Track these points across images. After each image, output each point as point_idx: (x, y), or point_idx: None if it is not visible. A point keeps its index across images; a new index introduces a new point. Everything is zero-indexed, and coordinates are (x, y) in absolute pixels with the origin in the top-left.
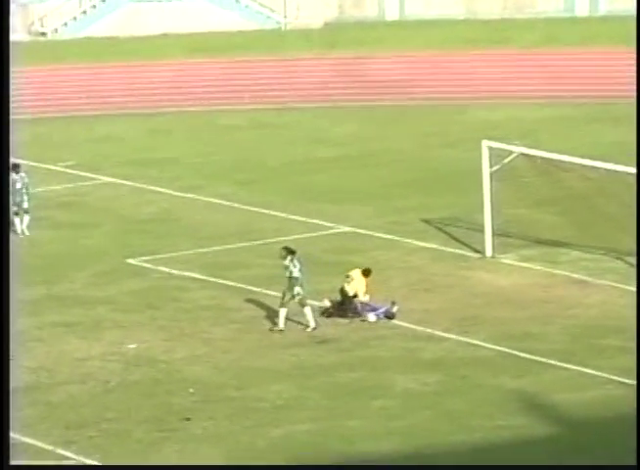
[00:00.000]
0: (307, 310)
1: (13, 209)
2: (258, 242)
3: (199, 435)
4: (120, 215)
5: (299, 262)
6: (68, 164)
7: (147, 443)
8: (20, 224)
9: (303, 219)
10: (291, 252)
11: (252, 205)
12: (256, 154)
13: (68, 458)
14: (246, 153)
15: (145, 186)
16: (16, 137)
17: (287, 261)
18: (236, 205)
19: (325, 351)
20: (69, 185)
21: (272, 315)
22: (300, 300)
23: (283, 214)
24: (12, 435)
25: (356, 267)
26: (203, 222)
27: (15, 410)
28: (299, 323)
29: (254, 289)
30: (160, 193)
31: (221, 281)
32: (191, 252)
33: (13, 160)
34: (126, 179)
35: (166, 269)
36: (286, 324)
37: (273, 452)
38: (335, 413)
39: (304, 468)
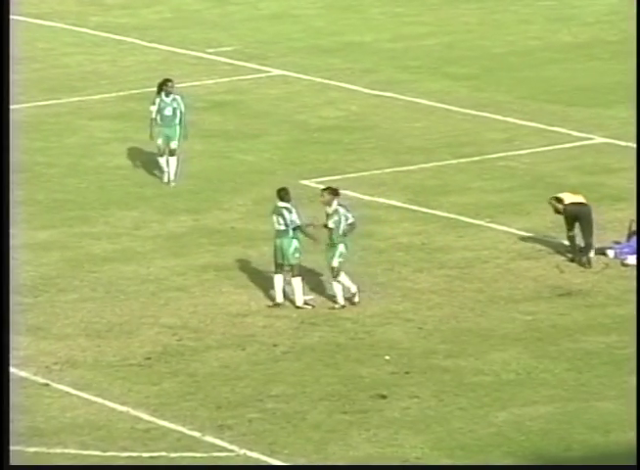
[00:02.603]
0: (343, 279)
1: (157, 142)
2: (478, 157)
3: (397, 418)
4: (293, 121)
5: (348, 210)
6: (224, 50)
7: (327, 428)
8: (165, 168)
9: (540, 127)
10: (335, 193)
11: (471, 107)
12: (478, 37)
13: (219, 448)
14: (463, 35)
15: (326, 81)
16: (150, 13)
17: (334, 206)
18: (449, 107)
19: (569, 307)
20: (224, 79)
21: (496, 257)
22: (340, 266)
23: (512, 120)
24: (144, 416)
25: (606, 191)
26: (404, 131)
27: (149, 383)
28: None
29: (472, 221)
30: (348, 91)
31: (427, 210)
32: (387, 170)
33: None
34: (301, 72)
35: (354, 194)
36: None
37: (497, 444)
38: (582, 392)
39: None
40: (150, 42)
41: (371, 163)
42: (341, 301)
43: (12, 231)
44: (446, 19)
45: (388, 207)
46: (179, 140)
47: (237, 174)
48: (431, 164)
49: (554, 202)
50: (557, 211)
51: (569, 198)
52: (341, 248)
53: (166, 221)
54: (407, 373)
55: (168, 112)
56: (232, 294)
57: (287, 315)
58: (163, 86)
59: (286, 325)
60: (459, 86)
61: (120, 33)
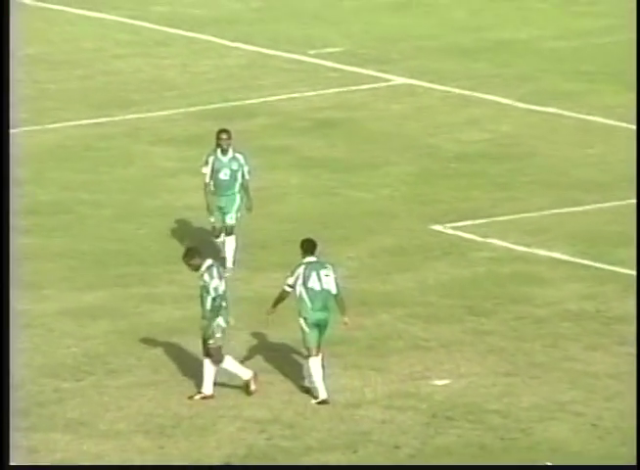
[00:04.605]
0: (228, 364)
1: (210, 219)
2: None
3: None
4: (422, 146)
5: (220, 274)
6: (331, 51)
7: None
8: (222, 251)
9: None
10: (198, 254)
11: None
12: None
13: None
14: None
15: (468, 93)
16: (232, 2)
17: (203, 269)
18: (634, 127)
19: None
20: (331, 91)
21: None
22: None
23: None
24: None
25: None
26: (573, 159)
27: None
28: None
29: None
30: (497, 105)
31: (604, 266)
32: (550, 212)
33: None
34: (434, 80)
35: (503, 244)
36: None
37: None
38: None
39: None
40: (232, 41)
41: (528, 202)
42: (206, 390)
43: (47, 292)
44: (631, 9)
45: (550, 261)
46: (238, 213)
47: (347, 217)
48: (608, 205)
49: None
50: None
51: None
52: (218, 322)
53: (253, 280)
54: None
55: (224, 175)
56: (340, 377)
57: (413, 406)
58: (217, 140)
59: (412, 420)
60: None
61: (193, 29)
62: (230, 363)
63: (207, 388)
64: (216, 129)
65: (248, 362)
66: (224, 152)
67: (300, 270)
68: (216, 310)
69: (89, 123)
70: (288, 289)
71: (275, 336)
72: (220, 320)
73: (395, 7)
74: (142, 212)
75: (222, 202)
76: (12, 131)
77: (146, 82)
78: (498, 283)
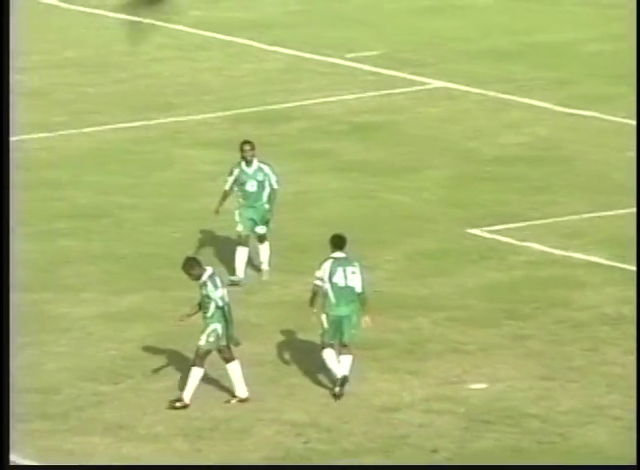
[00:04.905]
0: (193, 375)
1: (237, 229)
2: None
3: None
4: (460, 150)
5: (223, 282)
6: (368, 54)
7: None
8: (242, 264)
9: None
10: (198, 264)
11: None
12: None
13: None
14: None
15: (506, 96)
16: (269, 6)
17: (204, 278)
18: None
19: None
20: (368, 94)
21: None
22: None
23: None
24: None
25: None
26: (611, 163)
27: None
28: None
29: None
30: (535, 109)
31: None
32: (588, 216)
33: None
34: (472, 84)
35: (541, 247)
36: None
37: None
38: None
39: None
40: (269, 44)
41: (566, 205)
42: (242, 394)
43: (86, 296)
44: None
45: (588, 264)
46: (268, 222)
47: (385, 220)
48: None
49: None
50: None
51: None
52: (215, 327)
53: (290, 283)
54: None
55: (252, 187)
56: (378, 381)
57: (450, 410)
58: (241, 152)
59: (450, 423)
60: None
61: (230, 33)
62: (195, 376)
63: (242, 391)
64: (255, 133)
65: (285, 366)
66: (248, 163)
67: (327, 265)
68: (218, 317)
69: (127, 127)
70: (318, 283)
71: (312, 339)
72: (218, 327)
73: (432, 10)
74: (179, 216)
75: (251, 213)
76: (49, 135)
77: (184, 86)
78: (536, 287)
